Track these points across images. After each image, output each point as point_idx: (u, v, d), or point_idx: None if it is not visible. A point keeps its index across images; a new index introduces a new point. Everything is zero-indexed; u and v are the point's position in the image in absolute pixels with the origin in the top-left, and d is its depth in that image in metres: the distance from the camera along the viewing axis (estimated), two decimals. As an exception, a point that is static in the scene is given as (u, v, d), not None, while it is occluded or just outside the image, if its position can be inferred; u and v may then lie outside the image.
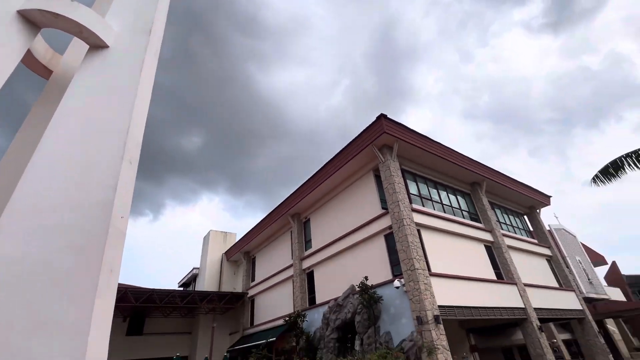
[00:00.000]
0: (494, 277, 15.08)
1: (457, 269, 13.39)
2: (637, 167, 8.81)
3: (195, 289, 28.49)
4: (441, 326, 10.60)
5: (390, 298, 12.18)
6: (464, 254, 14.57)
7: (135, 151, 4.03)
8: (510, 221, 20.39)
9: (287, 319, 15.99)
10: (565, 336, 26.17)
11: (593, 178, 9.30)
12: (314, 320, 15.88)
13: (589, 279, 28.28)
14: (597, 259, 36.85)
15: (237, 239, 28.05)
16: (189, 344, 24.61)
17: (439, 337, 10.29)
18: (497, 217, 19.06)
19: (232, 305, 23.66)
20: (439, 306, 11.18)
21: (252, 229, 23.88)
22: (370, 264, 13.86)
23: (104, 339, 2.90)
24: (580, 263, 29.30)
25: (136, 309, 21.50)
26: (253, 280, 24.56)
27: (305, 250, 19.01)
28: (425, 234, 13.47)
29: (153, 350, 22.56)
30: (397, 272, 12.51)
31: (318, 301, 16.46)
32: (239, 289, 25.82)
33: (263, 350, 15.22)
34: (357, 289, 12.69)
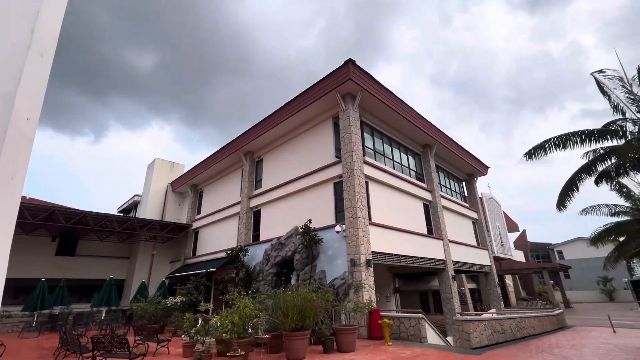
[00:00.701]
0: (425, 232, 16.63)
1: (395, 221, 14.43)
2: (557, 149, 9.83)
3: (136, 217, 27.49)
4: (371, 269, 11.64)
5: (329, 241, 12.89)
6: (403, 209, 15.65)
7: (49, 43, 3.29)
8: (450, 185, 22.09)
9: (229, 252, 16.34)
10: (472, 286, 30.77)
11: (525, 154, 10.19)
12: (255, 255, 16.46)
13: (501, 242, 32.75)
14: (512, 227, 42.45)
15: (185, 171, 26.89)
16: (127, 269, 24.44)
17: (367, 277, 11.33)
18: (440, 180, 20.49)
19: (174, 235, 23.44)
20: (373, 252, 12.15)
21: (202, 161, 22.91)
22: (316, 209, 14.30)
23: (3, 253, 2.57)
24: (499, 228, 33.55)
25: (67, 229, 20.35)
26: (199, 213, 24.26)
27: (255, 189, 18.92)
28: (372, 187, 14.05)
29: (86, 271, 22.06)
30: (340, 219, 13.11)
31: (262, 238, 16.93)
32: (183, 220, 25.45)
33: (202, 279, 15.64)
34: (300, 230, 13.15)
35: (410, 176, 17.48)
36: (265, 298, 9.64)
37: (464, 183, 24.81)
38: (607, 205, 20.01)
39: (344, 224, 12.37)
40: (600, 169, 10.73)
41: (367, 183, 13.74)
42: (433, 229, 17.46)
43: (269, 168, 18.26)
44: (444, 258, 16.89)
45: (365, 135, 15.01)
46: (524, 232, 47.30)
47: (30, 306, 14.42)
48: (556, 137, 9.82)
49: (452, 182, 22.65)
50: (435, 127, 18.68)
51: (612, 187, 18.34)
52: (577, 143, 9.69)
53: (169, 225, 22.55)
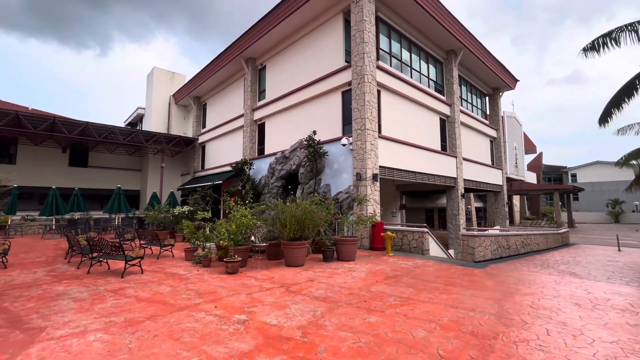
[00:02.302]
0: (439, 148, 15.65)
1: (407, 136, 13.39)
2: (634, 40, 8.01)
3: (140, 129, 27.10)
4: (377, 184, 11.13)
5: (335, 154, 12.18)
6: (417, 123, 14.41)
7: None
8: (471, 99, 20.11)
9: (234, 165, 16.05)
10: (479, 205, 31.02)
11: (586, 47, 8.43)
12: (261, 169, 16.17)
13: (516, 163, 31.72)
14: (530, 148, 40.67)
15: (186, 81, 25.23)
16: (140, 180, 25.17)
17: (372, 192, 10.91)
18: (461, 93, 18.54)
19: (181, 148, 23.26)
20: (380, 166, 11.48)
21: (203, 69, 21.11)
22: (323, 121, 13.24)
23: None
24: (515, 149, 32.11)
25: (75, 141, 20.28)
26: (204, 127, 23.54)
27: (259, 100, 17.64)
28: (385, 96, 12.61)
29: (100, 182, 22.82)
30: (347, 131, 12.13)
31: (267, 152, 16.39)
32: (189, 134, 24.98)
33: (208, 190, 15.76)
34: (305, 142, 12.36)
35: (429, 87, 15.67)
36: (264, 208, 9.43)
37: (487, 98, 22.63)
38: (648, 122, 18.16)
39: (351, 137, 11.45)
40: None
41: (379, 92, 12.29)
42: (447, 145, 16.41)
43: (273, 76, 16.60)
44: (455, 176, 16.26)
45: (381, 35, 12.87)
46: (540, 154, 45.69)
47: (46, 211, 15.12)
48: (625, 26, 7.86)
49: (474, 96, 20.57)
50: (464, 27, 15.97)
51: None
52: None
53: (174, 138, 22.17)
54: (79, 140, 20.10)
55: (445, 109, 16.35)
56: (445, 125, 16.59)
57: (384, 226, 10.25)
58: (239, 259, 6.82)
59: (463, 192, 16.53)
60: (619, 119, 9.80)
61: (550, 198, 44.82)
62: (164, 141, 21.79)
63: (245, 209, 7.93)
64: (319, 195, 11.42)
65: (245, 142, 17.69)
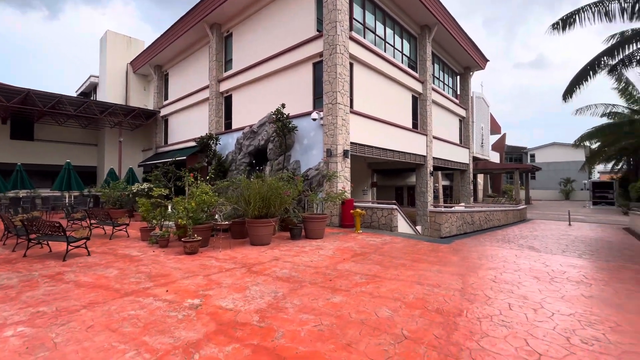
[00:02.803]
0: (410, 126, 15.61)
1: (379, 112, 13.13)
2: (590, 20, 8.06)
3: (93, 99, 24.79)
4: (348, 160, 10.89)
5: (305, 130, 11.71)
6: (390, 99, 14.16)
7: None
8: (443, 78, 20.13)
9: (198, 140, 15.11)
10: (446, 183, 32.07)
11: (553, 25, 8.40)
12: (228, 144, 15.37)
13: (482, 143, 32.87)
14: (495, 128, 42.25)
15: (145, 48, 23.08)
16: (96, 156, 23.29)
17: (343, 169, 10.67)
18: (434, 71, 18.44)
19: (141, 122, 21.60)
20: (351, 143, 11.20)
21: (163, 34, 19.29)
22: (293, 94, 12.60)
23: None
24: (482, 129, 33.16)
25: (16, 111, 18.10)
26: (166, 99, 21.90)
27: (225, 71, 16.50)
28: (357, 70, 12.15)
29: (48, 156, 20.79)
30: (319, 106, 11.63)
31: (234, 127, 15.55)
32: (150, 107, 23.19)
33: (170, 166, 14.81)
34: (273, 116, 11.73)
35: (403, 63, 15.36)
36: (228, 184, 8.91)
37: (458, 77, 22.79)
38: (604, 104, 19.26)
39: (322, 111, 10.99)
40: (621, 56, 9.22)
41: (351, 65, 11.80)
42: (419, 123, 16.42)
43: (240, 45, 15.48)
44: (425, 154, 16.42)
45: (355, 5, 12.21)
46: (504, 135, 47.68)
47: (-20, 188, 13.54)
48: (593, 4, 7.88)
49: (446, 75, 20.60)
50: (439, 2, 15.61)
51: (618, 83, 17.12)
52: (614, 17, 7.88)
53: (132, 110, 20.45)
54: (20, 110, 17.98)
55: (418, 86, 16.21)
56: (417, 103, 16.50)
57: (354, 203, 10.12)
58: (199, 238, 6.37)
59: (432, 170, 16.80)
60: (579, 97, 10.07)
61: (511, 177, 47.41)
62: (121, 113, 20.06)
63: (207, 185, 7.38)
64: (287, 172, 11.01)
65: (211, 115, 16.66)
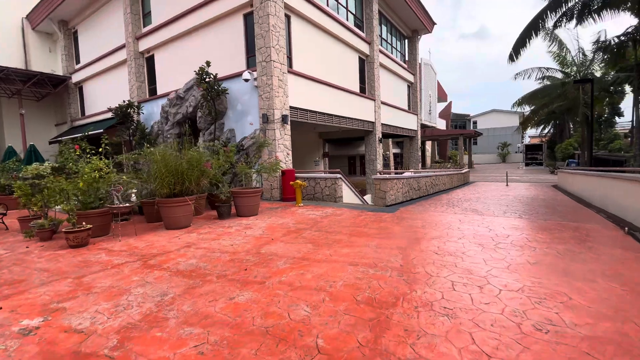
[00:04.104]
0: (358, 90, 14.76)
1: (323, 74, 12.01)
2: None
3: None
4: (287, 126, 9.79)
5: (238, 93, 10.27)
6: (335, 60, 13.05)
7: None
8: (391, 41, 19.35)
9: (115, 110, 12.81)
10: (396, 150, 32.52)
11: None
12: (154, 113, 13.30)
13: (430, 110, 33.47)
14: (442, 96, 43.39)
15: (43, -2, 18.88)
16: (-6, 133, 19.34)
17: (282, 136, 9.58)
18: (381, 32, 17.52)
19: (48, 90, 18.10)
20: (291, 107, 10.05)
21: (61, -19, 15.74)
22: (223, 52, 10.90)
23: None
24: (430, 96, 33.63)
25: None
26: (78, 62, 18.46)
27: (144, 26, 13.96)
28: (296, 24, 10.75)
29: None
30: (252, 65, 10.17)
31: (160, 92, 13.43)
32: (59, 72, 19.45)
33: (82, 142, 12.49)
34: (196, 76, 10.03)
35: (348, 20, 14.15)
36: (136, 158, 7.40)
37: (406, 41, 22.18)
38: (540, 68, 20.04)
39: (255, 70, 9.59)
40: (563, 9, 9.01)
41: (288, 18, 10.37)
42: (366, 87, 15.62)
43: (159, -7, 13.02)
44: (374, 120, 15.84)
45: (290, -55, 10.55)
46: (450, 103, 49.39)
47: None
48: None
49: (394, 38, 19.82)
50: (385, -48, 14.37)
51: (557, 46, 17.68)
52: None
53: (34, 75, 16.91)
54: None
55: (365, 47, 15.22)
56: (365, 66, 15.61)
57: (295, 174, 9.19)
58: (88, 226, 5.02)
59: (381, 136, 16.37)
60: (521, 61, 9.86)
61: (456, 143, 49.94)
62: (18, 80, 16.51)
63: (101, 159, 5.88)
64: (219, 142, 9.64)
65: (131, 80, 14.23)
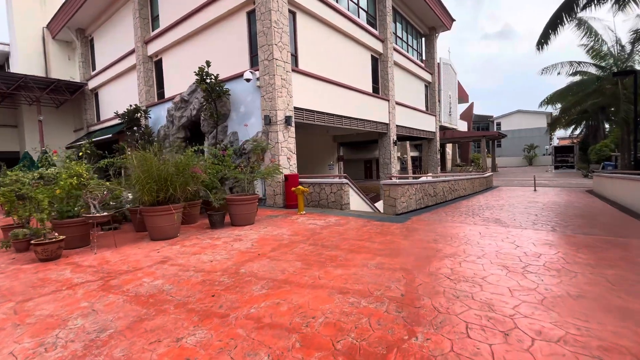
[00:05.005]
0: (370, 90, 14.02)
1: (332, 73, 11.38)
2: None
3: None
4: (292, 128, 9.20)
5: (241, 94, 9.81)
6: (345, 59, 12.39)
7: None
8: (407, 39, 18.48)
9: (122, 115, 12.72)
10: (414, 154, 31.34)
11: None
12: (161, 117, 13.12)
13: (450, 112, 32.11)
14: (463, 97, 41.74)
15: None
16: (17, 139, 20.04)
17: (286, 139, 9.00)
18: (395, 30, 16.73)
19: (66, 97, 18.50)
20: (295, 108, 9.47)
21: (76, -11, 16.04)
22: (227, 52, 10.52)
23: None
24: (450, 97, 32.28)
25: None
26: (94, 68, 18.81)
27: (153, 30, 13.89)
28: (302, 21, 10.20)
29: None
30: (256, 65, 9.69)
31: (167, 96, 13.25)
32: (78, 79, 19.91)
33: (89, 144, 12.44)
34: (196, 78, 9.63)
35: (359, 17, 13.49)
36: (108, 162, 6.97)
37: (423, 40, 21.21)
38: (570, 62, 18.53)
39: (258, 70, 9.10)
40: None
41: (293, 14, 9.84)
42: (380, 87, 14.85)
43: (166, -4, 12.88)
44: (388, 122, 15.01)
45: (296, -61, 10.05)
46: (472, 104, 47.46)
47: None
48: None
49: (409, 36, 18.94)
50: (398, -56, 13.64)
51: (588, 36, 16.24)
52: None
53: (51, 83, 17.31)
54: None
55: (378, 45, 14.49)
56: (378, 65, 14.86)
57: (299, 179, 8.57)
58: (60, 238, 4.59)
59: (395, 139, 15.50)
60: (547, 59, 8.84)
61: (478, 145, 47.87)
62: (37, 87, 16.93)
63: (84, 165, 5.49)
64: (220, 146, 9.19)
65: (140, 84, 14.17)
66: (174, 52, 12.83)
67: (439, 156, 21.96)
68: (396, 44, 16.46)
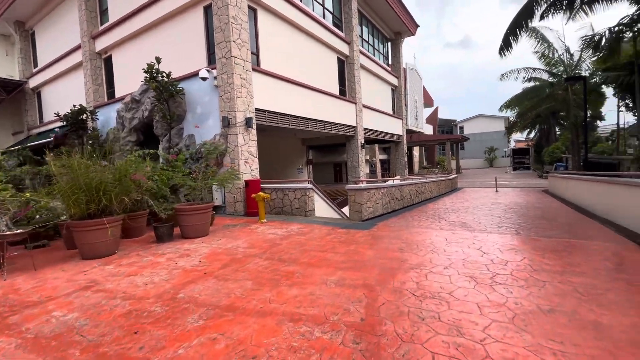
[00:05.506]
0: (337, 93, 13.79)
1: (297, 74, 10.98)
2: None
3: None
4: (253, 131, 8.66)
5: (198, 94, 9.12)
6: (311, 60, 12.06)
7: None
8: (374, 43, 18.57)
9: (65, 116, 11.49)
10: (383, 157, 31.70)
11: None
12: (111, 119, 12.01)
13: (416, 116, 32.93)
14: (428, 102, 43.11)
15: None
16: (-58, 143, 17.63)
17: (247, 142, 8.44)
18: (362, 33, 16.72)
19: (1, 95, 16.56)
20: (257, 109, 8.95)
21: (12, -23, 14.42)
22: (183, 49, 9.78)
23: None
24: (416, 101, 33.13)
25: None
26: (35, 65, 17.03)
27: (101, 24, 12.74)
28: (264, 18, 9.73)
29: None
30: (214, 63, 9.06)
31: (118, 96, 12.16)
32: (17, 77, 17.96)
33: (24, 150, 11.11)
34: (145, 75, 8.82)
35: (325, 18, 13.24)
36: (26, 171, 6.12)
37: (389, 44, 21.48)
38: (526, 68, 19.53)
39: (215, 68, 8.49)
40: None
41: (254, 11, 9.34)
42: (347, 90, 14.68)
43: (115, -12, 11.86)
44: (355, 124, 14.87)
45: None
46: (436, 108, 49.22)
47: None
48: None
49: (376, 40, 19.06)
50: (362, -53, 13.61)
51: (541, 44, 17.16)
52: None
53: (-18, 80, 15.43)
54: None
55: (344, 48, 14.33)
56: (345, 67, 14.69)
57: (261, 185, 8.05)
58: (-45, 263, 3.75)
59: (363, 142, 15.39)
60: (508, 63, 9.05)
61: (443, 148, 49.69)
62: (-37, 84, 15.01)
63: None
64: (172, 150, 8.44)
65: (87, 83, 12.93)
66: (126, 49, 11.82)
67: (406, 159, 22.28)
68: (362, 47, 16.44)
